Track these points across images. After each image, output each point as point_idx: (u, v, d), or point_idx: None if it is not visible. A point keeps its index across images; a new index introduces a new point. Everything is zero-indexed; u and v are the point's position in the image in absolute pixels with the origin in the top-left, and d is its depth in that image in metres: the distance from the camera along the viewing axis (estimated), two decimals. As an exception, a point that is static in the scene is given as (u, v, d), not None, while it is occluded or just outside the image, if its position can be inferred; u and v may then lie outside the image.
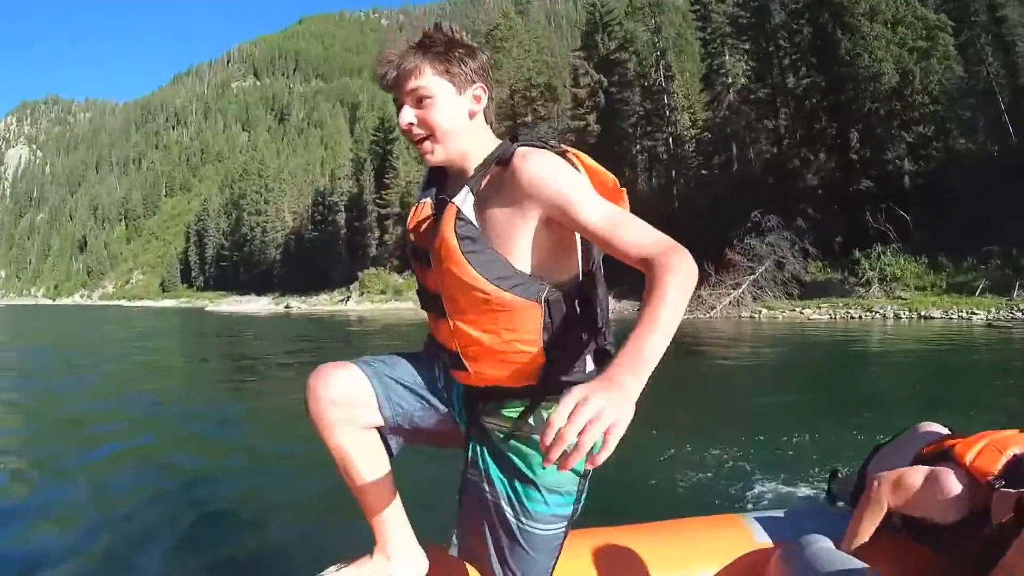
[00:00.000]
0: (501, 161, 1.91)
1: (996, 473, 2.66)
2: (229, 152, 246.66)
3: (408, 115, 1.96)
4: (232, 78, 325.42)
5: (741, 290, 32.13)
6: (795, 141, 43.61)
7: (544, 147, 1.91)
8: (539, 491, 2.02)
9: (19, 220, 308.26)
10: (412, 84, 1.93)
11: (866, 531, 2.87)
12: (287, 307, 71.73)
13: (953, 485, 2.77)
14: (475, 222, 1.92)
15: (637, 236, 1.73)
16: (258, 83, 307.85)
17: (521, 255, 1.90)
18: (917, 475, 2.87)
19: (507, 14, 65.25)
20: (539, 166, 1.81)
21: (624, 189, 2.03)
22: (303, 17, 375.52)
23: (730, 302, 32.03)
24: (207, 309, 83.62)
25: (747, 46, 46.77)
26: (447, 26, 2.01)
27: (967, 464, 2.76)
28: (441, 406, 2.22)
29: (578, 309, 1.96)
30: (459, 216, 1.91)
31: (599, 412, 1.29)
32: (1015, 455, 2.70)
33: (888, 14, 37.99)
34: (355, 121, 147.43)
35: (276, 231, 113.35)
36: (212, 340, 28.98)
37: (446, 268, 1.94)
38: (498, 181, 1.91)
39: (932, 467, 2.88)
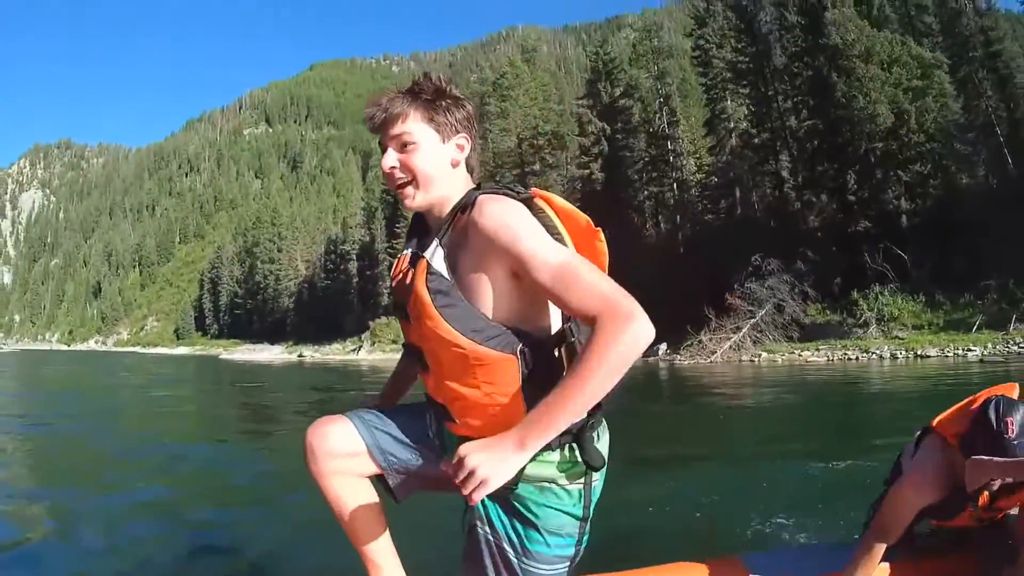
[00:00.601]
0: (464, 210, 1.97)
1: (960, 439, 2.81)
2: (242, 199, 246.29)
3: (391, 159, 2.06)
4: (244, 124, 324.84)
5: (741, 334, 32.31)
6: (797, 184, 43.69)
7: (508, 194, 1.95)
8: (540, 533, 2.03)
9: (33, 265, 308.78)
10: (397, 129, 2.04)
11: (866, 563, 2.94)
12: (300, 356, 71.62)
13: (924, 460, 2.99)
14: (447, 275, 1.96)
15: (585, 296, 1.76)
16: (270, 130, 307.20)
17: (494, 306, 1.93)
18: (904, 475, 3.05)
19: (513, 63, 65.17)
20: (494, 217, 1.86)
21: (599, 229, 2.05)
22: (314, 63, 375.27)
23: (730, 346, 32.18)
24: (221, 357, 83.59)
25: (747, 91, 47.03)
26: (436, 76, 2.14)
27: (940, 432, 2.95)
28: (433, 455, 2.30)
29: (558, 356, 1.96)
30: (430, 270, 1.96)
31: (473, 470, 1.65)
32: (976, 416, 2.78)
33: (883, 55, 38.25)
34: (367, 169, 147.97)
35: (289, 279, 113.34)
36: (228, 388, 29.32)
37: (422, 323, 1.98)
38: (464, 231, 1.96)
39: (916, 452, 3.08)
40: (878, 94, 37.12)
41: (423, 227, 2.19)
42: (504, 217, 1.86)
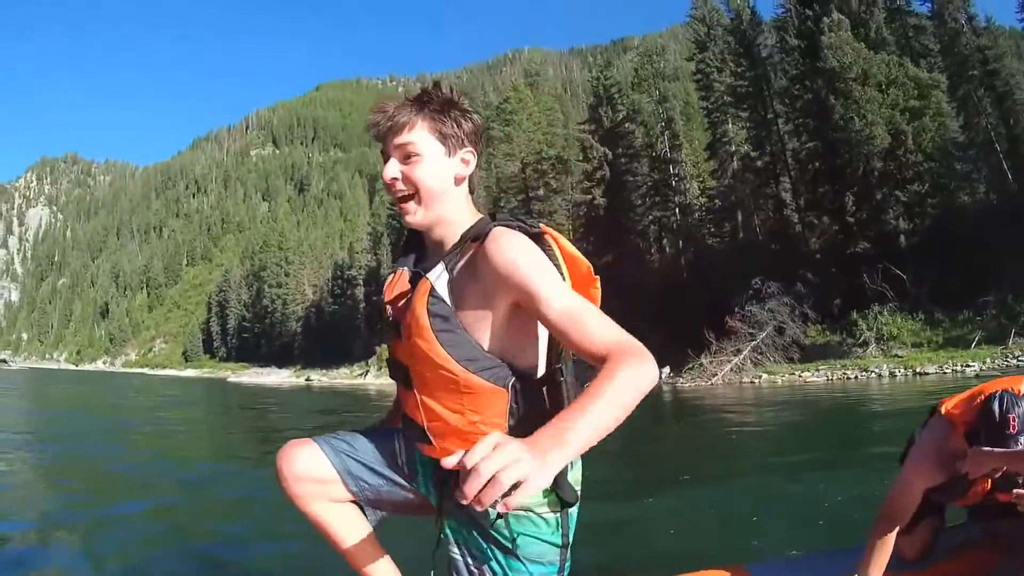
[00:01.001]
0: (477, 238, 1.91)
1: (966, 426, 2.85)
2: (249, 222, 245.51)
3: (393, 169, 2.01)
4: (251, 145, 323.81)
5: (741, 356, 32.42)
6: (799, 206, 43.87)
7: (521, 228, 1.92)
8: (520, 561, 2.00)
9: (40, 283, 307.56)
10: (402, 138, 1.99)
11: (874, 562, 2.99)
12: (308, 380, 71.64)
13: (928, 442, 3.02)
14: (448, 300, 1.93)
15: (596, 334, 1.70)
16: (277, 151, 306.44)
17: (490, 337, 1.93)
18: (908, 463, 3.09)
19: (517, 87, 65.02)
20: (509, 251, 1.82)
21: (598, 277, 2.05)
22: (320, 84, 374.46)
23: (731, 368, 32.29)
24: (229, 380, 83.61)
25: (747, 114, 47.14)
26: (447, 86, 2.07)
27: (947, 416, 2.96)
28: (404, 482, 2.32)
29: (545, 395, 1.95)
30: (432, 293, 1.93)
31: (516, 460, 1.25)
32: (981, 408, 2.78)
33: (880, 76, 38.43)
34: (374, 193, 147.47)
35: (296, 303, 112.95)
36: (237, 410, 29.49)
37: (416, 344, 1.96)
38: (473, 260, 1.91)
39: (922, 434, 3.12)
40: (875, 116, 37.24)
41: (420, 244, 2.18)
42: (521, 252, 1.83)
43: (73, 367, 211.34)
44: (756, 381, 31.06)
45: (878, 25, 43.04)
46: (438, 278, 1.95)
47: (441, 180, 2.01)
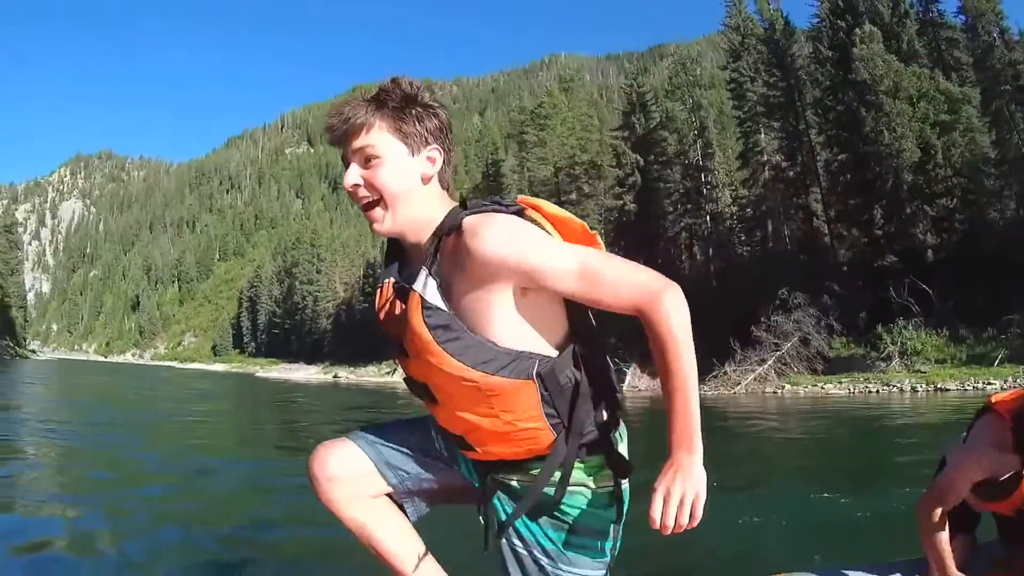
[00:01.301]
0: (451, 232, 1.83)
1: (1013, 419, 2.82)
2: (283, 219, 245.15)
3: (354, 175, 1.90)
4: (286, 144, 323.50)
5: (766, 366, 32.45)
6: (829, 217, 43.79)
7: (497, 209, 1.83)
8: (573, 535, 1.96)
9: (72, 275, 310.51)
10: (360, 141, 1.88)
11: (938, 550, 2.93)
12: (336, 376, 71.36)
13: (980, 434, 2.97)
14: (444, 306, 1.82)
15: (617, 289, 1.76)
16: (311, 150, 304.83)
17: (502, 332, 1.83)
18: (957, 453, 3.05)
19: (552, 92, 65.22)
20: (493, 237, 1.74)
21: (596, 232, 1.96)
22: (355, 85, 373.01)
23: (755, 378, 32.34)
24: (258, 375, 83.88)
25: (778, 124, 47.06)
26: (406, 82, 1.94)
27: (998, 411, 2.92)
28: (444, 465, 2.24)
29: (577, 371, 1.89)
30: (425, 304, 1.82)
31: (682, 498, 1.66)
32: None
33: (911, 90, 38.15)
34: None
35: (328, 301, 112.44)
36: (266, 404, 29.61)
37: (425, 361, 1.86)
38: (456, 256, 1.81)
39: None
40: (904, 129, 37.06)
41: (402, 251, 2.04)
42: (506, 234, 1.75)
43: (102, 358, 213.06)
44: (779, 392, 31.07)
45: (910, 37, 42.61)
46: (425, 286, 1.84)
47: (405, 182, 1.90)
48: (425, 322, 1.81)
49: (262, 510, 7.02)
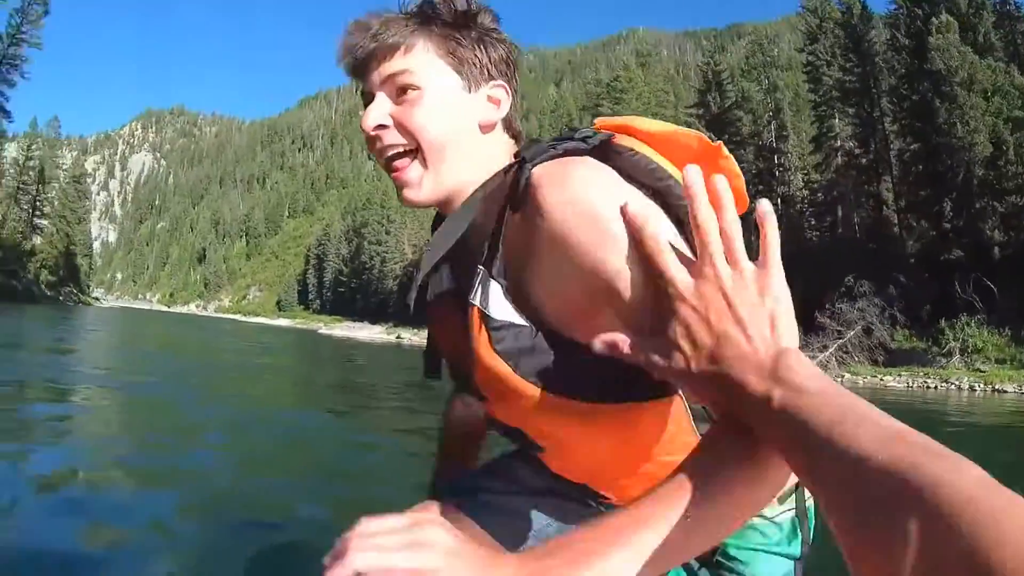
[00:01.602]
0: (517, 204, 1.13)
1: None
2: (354, 179, 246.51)
3: (380, 110, 1.22)
4: (360, 106, 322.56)
5: (827, 354, 32.31)
6: (899, 207, 43.77)
7: (573, 150, 1.13)
8: None
9: (139, 226, 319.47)
10: (394, 65, 1.19)
11: None
12: (399, 337, 70.83)
13: None
14: (520, 319, 1.13)
15: None
16: None
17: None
18: None
19: (628, 66, 65.42)
20: (560, 203, 1.04)
21: (720, 144, 1.17)
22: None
23: (816, 365, 32.19)
24: (320, 332, 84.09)
25: (853, 110, 47.14)
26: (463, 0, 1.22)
27: None
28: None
29: None
30: (491, 325, 1.14)
31: None
32: None
33: (986, 83, 37.79)
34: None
35: (395, 262, 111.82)
36: (327, 361, 29.73)
37: (510, 403, 1.21)
38: (521, 231, 1.13)
39: None
40: (977, 123, 36.90)
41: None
42: (582, 204, 1.03)
43: (165, 308, 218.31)
44: (839, 380, 30.61)
45: (986, 29, 42.10)
46: (488, 297, 1.15)
47: (456, 125, 1.20)
48: (496, 350, 1.14)
49: (315, 465, 7.20)
